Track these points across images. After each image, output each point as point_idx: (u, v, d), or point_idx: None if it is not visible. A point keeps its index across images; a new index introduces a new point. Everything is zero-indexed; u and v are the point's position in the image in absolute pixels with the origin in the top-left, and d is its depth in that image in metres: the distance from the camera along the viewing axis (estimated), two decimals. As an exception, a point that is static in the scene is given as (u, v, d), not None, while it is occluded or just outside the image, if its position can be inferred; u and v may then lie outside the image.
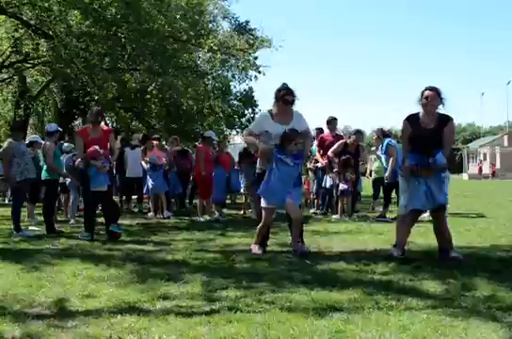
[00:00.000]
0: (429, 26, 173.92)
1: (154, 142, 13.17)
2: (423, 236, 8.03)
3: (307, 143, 7.15)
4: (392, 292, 4.64)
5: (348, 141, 11.40)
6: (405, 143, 6.50)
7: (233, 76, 23.11)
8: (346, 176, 11.22)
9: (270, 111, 7.02)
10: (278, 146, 6.64)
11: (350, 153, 11.31)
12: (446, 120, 6.25)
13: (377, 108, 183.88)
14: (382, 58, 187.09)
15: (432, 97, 6.14)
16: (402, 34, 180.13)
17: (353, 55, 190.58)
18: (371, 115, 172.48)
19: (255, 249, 6.81)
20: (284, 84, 6.96)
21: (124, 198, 14.39)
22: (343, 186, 11.23)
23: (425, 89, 6.23)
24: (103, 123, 9.62)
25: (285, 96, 6.80)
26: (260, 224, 6.85)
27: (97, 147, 8.32)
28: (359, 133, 11.69)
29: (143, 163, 12.82)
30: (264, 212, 6.83)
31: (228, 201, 15.45)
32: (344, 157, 11.17)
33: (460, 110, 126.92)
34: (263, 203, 6.79)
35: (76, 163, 9.16)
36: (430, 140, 6.12)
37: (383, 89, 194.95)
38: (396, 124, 49.22)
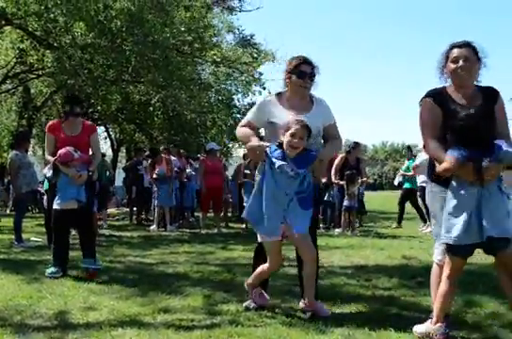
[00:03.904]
0: (435, 38, 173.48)
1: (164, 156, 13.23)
2: (426, 252, 8.01)
3: (331, 147, 4.76)
4: (393, 307, 4.65)
5: (345, 155, 11.47)
6: (428, 131, 3.87)
7: (237, 90, 23.24)
8: (350, 191, 11.27)
9: (279, 94, 4.71)
10: (279, 144, 4.32)
11: (352, 166, 11.38)
12: (494, 92, 3.90)
13: (379, 124, 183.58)
14: (382, 72, 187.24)
15: (466, 58, 3.79)
16: (403, 45, 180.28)
17: (357, 69, 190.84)
18: (372, 130, 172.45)
19: (256, 297, 4.65)
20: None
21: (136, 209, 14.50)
22: (348, 202, 11.26)
23: (452, 47, 3.88)
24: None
25: (299, 66, 4.49)
26: (265, 266, 4.56)
27: (70, 148, 6.07)
28: (357, 145, 11.77)
29: (149, 178, 12.83)
30: (266, 249, 4.49)
31: (229, 215, 15.47)
32: (348, 172, 11.22)
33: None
34: (259, 237, 4.51)
35: (44, 171, 7.04)
36: (482, 124, 3.67)
37: (385, 104, 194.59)
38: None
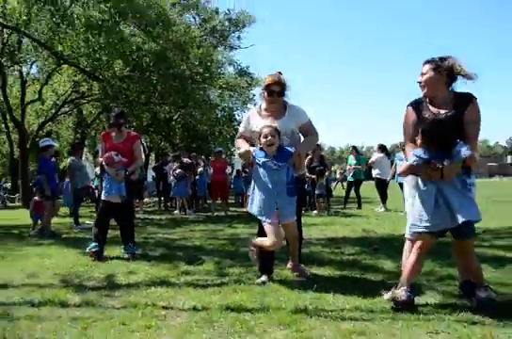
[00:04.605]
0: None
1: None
2: (380, 226, 8.05)
3: (308, 141, 4.36)
4: (356, 268, 4.64)
5: (311, 155, 11.17)
6: (406, 135, 3.56)
7: (237, 108, 23.59)
8: (319, 183, 11.30)
9: (260, 106, 4.43)
10: (261, 148, 4.08)
11: (316, 162, 11.31)
12: (466, 99, 3.39)
13: (345, 129, 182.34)
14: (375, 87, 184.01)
15: (423, 74, 3.47)
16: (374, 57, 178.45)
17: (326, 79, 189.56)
18: (339, 135, 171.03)
19: (253, 255, 4.35)
20: (278, 72, 4.31)
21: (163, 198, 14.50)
22: (319, 191, 11.31)
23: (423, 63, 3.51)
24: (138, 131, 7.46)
25: (270, 86, 4.19)
26: (265, 242, 4.08)
27: (113, 153, 5.79)
28: (318, 146, 11.59)
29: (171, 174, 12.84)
30: (266, 231, 4.04)
31: (232, 201, 15.47)
32: (318, 168, 11.23)
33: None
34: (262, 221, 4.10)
35: (96, 169, 6.81)
36: (447, 129, 3.27)
37: (351, 113, 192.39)
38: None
